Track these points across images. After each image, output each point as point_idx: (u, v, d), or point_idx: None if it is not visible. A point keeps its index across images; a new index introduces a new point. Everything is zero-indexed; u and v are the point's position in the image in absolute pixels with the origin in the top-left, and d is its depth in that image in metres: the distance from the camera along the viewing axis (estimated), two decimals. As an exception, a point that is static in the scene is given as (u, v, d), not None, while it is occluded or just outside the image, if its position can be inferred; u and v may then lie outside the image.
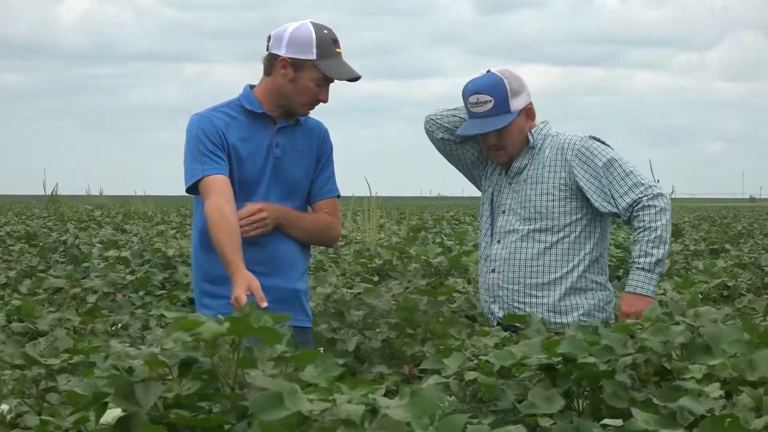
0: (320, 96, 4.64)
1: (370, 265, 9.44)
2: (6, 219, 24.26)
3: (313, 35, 4.58)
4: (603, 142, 4.87)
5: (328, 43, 4.59)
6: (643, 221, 4.72)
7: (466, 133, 4.86)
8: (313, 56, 4.57)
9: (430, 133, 5.03)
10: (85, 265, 10.60)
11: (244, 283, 4.34)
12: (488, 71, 4.85)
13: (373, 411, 2.34)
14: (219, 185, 4.55)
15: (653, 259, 4.71)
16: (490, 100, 4.79)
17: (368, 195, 15.22)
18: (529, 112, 4.86)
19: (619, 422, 2.79)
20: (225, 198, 4.53)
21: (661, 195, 4.76)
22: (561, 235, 4.82)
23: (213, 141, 4.60)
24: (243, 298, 4.29)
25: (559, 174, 4.82)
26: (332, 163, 4.86)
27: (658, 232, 4.71)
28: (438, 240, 14.25)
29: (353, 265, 9.76)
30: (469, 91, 4.84)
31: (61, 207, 31.34)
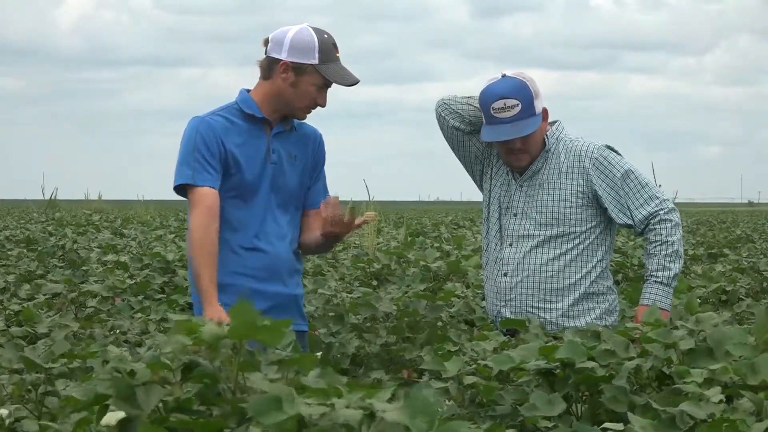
0: (319, 100, 4.61)
1: (368, 270, 9.44)
2: (5, 223, 24.25)
3: (315, 40, 4.55)
4: (618, 153, 4.88)
5: (329, 48, 4.57)
6: (660, 235, 4.75)
7: (498, 138, 4.76)
8: (315, 61, 4.54)
9: (442, 118, 4.95)
10: (83, 269, 10.59)
11: (216, 320, 4.34)
12: (504, 75, 4.78)
13: (371, 415, 2.34)
14: (208, 200, 4.51)
15: (671, 274, 4.74)
16: (518, 104, 4.71)
17: (366, 199, 15.22)
18: (545, 113, 4.84)
19: (619, 426, 2.78)
20: (211, 215, 4.50)
21: (675, 210, 4.78)
22: (576, 241, 4.82)
23: (210, 149, 4.56)
24: None
25: (576, 181, 4.82)
26: (324, 168, 4.85)
27: (675, 247, 4.75)
28: (436, 245, 14.24)
29: (352, 269, 9.76)
30: (493, 96, 4.74)
31: (60, 211, 31.32)
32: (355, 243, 14.39)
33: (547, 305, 4.82)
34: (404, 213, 39.41)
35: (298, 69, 4.56)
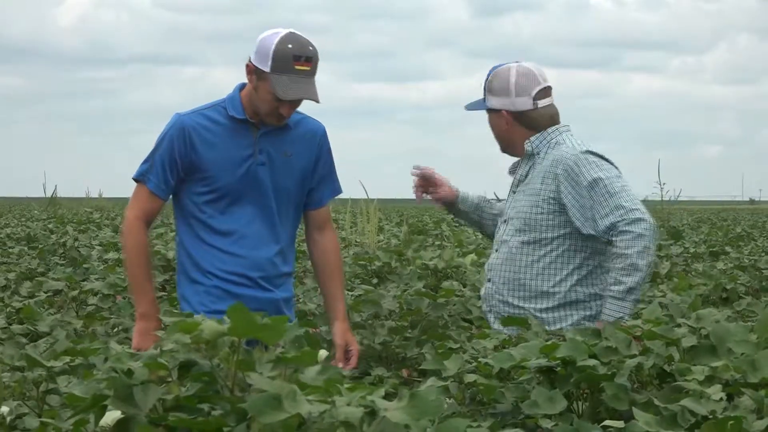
0: (281, 110, 4.46)
1: (369, 268, 9.44)
2: (6, 221, 24.26)
3: (273, 47, 4.38)
4: (602, 157, 4.71)
5: (285, 58, 4.38)
6: (617, 247, 4.55)
7: (470, 108, 4.88)
8: (267, 69, 4.39)
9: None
10: (84, 267, 10.59)
11: (145, 343, 4.36)
12: (517, 62, 4.82)
13: (372, 413, 2.34)
14: (148, 203, 4.54)
15: (624, 288, 4.53)
16: (483, 84, 4.82)
17: (365, 198, 15.23)
18: (505, 118, 4.79)
19: (620, 424, 2.78)
20: (145, 216, 4.54)
21: (641, 220, 4.54)
22: (549, 248, 4.71)
23: (171, 156, 4.51)
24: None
25: (549, 187, 4.71)
26: (332, 163, 4.73)
27: (631, 260, 4.51)
28: (437, 243, 14.25)
29: (353, 267, 9.75)
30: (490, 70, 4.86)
31: (61, 209, 31.33)
32: (356, 241, 14.39)
33: (522, 312, 4.72)
34: (405, 211, 39.41)
35: (258, 73, 4.43)
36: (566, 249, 4.71)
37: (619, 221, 4.55)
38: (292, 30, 4.46)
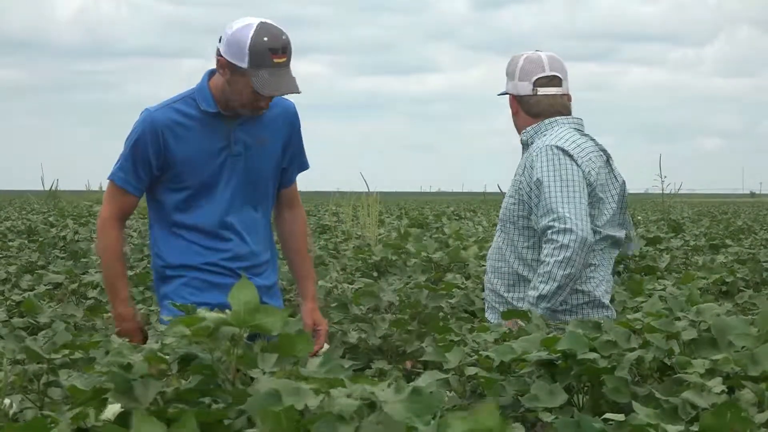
0: (259, 103, 4.37)
1: (370, 261, 9.44)
2: (6, 214, 24.26)
3: (248, 42, 4.27)
4: (567, 154, 4.64)
5: (263, 53, 4.27)
6: (543, 253, 4.54)
7: (499, 94, 4.95)
8: (245, 65, 4.28)
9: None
10: (84, 260, 10.59)
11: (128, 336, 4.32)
12: (536, 51, 4.88)
13: (371, 406, 2.32)
14: (122, 203, 4.49)
15: (536, 294, 4.52)
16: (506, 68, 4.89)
17: (366, 191, 15.23)
18: (511, 101, 4.84)
19: (621, 417, 2.78)
20: (120, 215, 4.49)
21: (569, 231, 4.49)
22: (522, 238, 4.69)
23: (146, 155, 4.43)
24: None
25: (520, 178, 4.71)
26: (302, 141, 4.64)
27: (549, 268, 4.50)
28: (436, 235, 14.24)
29: (353, 260, 9.75)
30: None
31: (61, 202, 31.32)
32: (357, 234, 14.39)
33: (503, 302, 4.71)
34: (405, 204, 39.41)
35: (233, 68, 4.32)
36: (536, 241, 4.68)
37: (549, 227, 4.53)
38: (263, 20, 4.35)
